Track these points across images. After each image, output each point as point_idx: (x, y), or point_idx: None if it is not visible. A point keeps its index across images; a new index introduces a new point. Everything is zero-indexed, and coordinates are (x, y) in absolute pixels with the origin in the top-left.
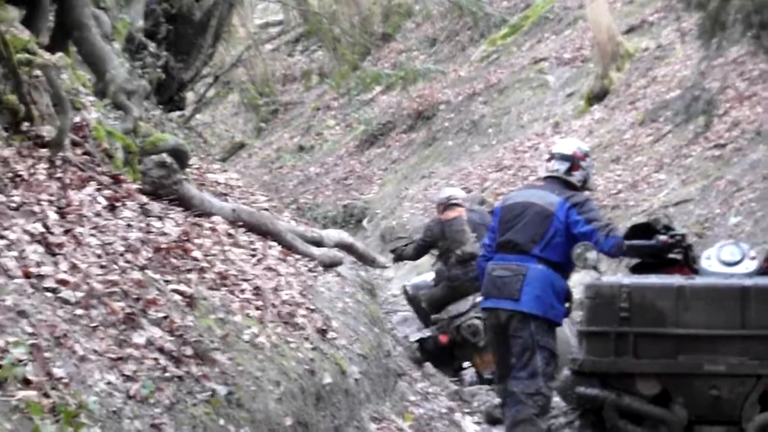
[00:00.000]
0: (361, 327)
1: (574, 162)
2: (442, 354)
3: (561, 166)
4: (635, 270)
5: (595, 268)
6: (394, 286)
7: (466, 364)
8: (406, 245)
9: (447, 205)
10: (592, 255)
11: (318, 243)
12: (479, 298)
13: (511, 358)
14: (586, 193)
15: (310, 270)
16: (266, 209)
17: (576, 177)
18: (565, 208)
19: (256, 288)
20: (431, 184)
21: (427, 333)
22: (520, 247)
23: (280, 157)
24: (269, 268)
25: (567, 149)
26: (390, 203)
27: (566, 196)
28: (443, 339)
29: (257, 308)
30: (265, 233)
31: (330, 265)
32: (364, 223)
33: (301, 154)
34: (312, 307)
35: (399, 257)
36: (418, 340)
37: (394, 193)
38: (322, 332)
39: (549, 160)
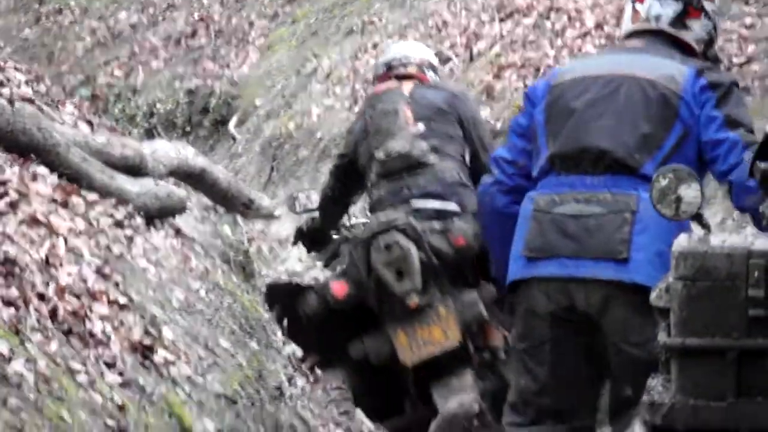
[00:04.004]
0: (222, 340)
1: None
2: (329, 332)
3: (667, 9)
4: None
5: (698, 216)
6: (292, 255)
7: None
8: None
9: (384, 76)
10: (690, 190)
11: (136, 169)
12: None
13: (608, 388)
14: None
15: (118, 224)
16: (29, 101)
17: (695, 32)
18: (698, 87)
19: (6, 262)
20: (367, 48)
21: (301, 279)
22: (617, 161)
23: None
24: (34, 221)
25: None
26: (283, 87)
27: (699, 67)
28: (338, 289)
29: (9, 304)
30: (26, 150)
31: (160, 215)
32: (231, 127)
33: None
34: (123, 300)
35: (314, 234)
36: (269, 287)
37: (290, 65)
38: (144, 351)
39: None
